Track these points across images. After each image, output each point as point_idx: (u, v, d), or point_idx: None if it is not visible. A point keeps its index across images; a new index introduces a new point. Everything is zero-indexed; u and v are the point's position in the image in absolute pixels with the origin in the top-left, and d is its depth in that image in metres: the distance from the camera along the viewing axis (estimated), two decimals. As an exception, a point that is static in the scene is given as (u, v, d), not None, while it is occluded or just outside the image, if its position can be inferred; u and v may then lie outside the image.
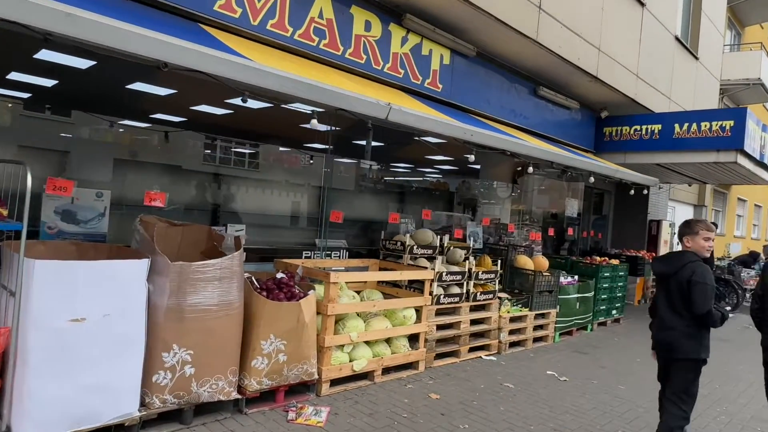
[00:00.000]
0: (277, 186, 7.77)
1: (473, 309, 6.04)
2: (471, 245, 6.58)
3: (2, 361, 2.96)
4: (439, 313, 5.65)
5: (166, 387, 3.46)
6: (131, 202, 5.06)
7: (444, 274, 5.65)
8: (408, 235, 6.04)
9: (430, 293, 5.43)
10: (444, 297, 5.65)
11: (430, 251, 5.98)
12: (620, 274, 8.90)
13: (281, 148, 7.81)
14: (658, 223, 13.29)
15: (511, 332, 6.46)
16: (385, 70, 6.13)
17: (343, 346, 4.61)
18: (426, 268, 5.57)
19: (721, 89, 15.31)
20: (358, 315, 4.85)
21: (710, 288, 3.41)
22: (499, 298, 6.38)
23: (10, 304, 3.00)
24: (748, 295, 12.95)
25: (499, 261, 6.65)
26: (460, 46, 6.93)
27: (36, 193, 4.05)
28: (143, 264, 3.36)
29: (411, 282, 5.60)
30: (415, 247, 5.84)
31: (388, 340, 5.04)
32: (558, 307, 7.19)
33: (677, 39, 11.30)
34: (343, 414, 4.07)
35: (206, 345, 3.59)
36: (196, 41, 3.53)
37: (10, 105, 5.46)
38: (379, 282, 5.74)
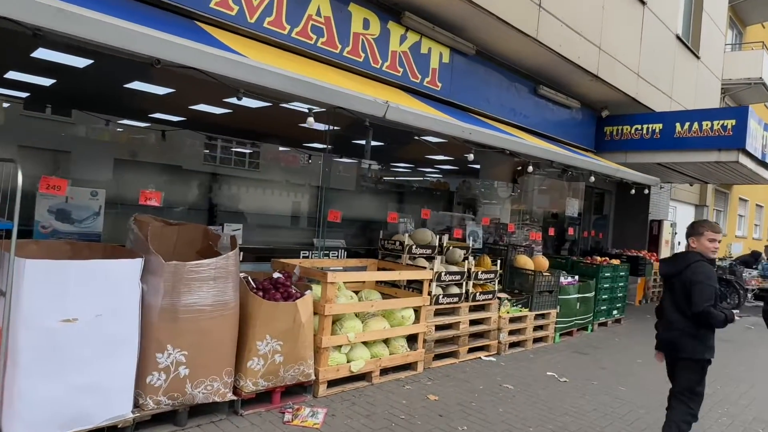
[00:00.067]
0: (275, 186, 7.73)
1: (472, 309, 5.99)
2: (470, 245, 6.53)
3: (-7, 362, 2.92)
4: (438, 313, 5.60)
5: (160, 388, 3.41)
6: (130, 202, 5.02)
7: (443, 274, 5.60)
8: (407, 234, 6.00)
9: (429, 293, 5.38)
10: (443, 297, 5.60)
11: (429, 251, 5.93)
12: (621, 274, 8.85)
13: (281, 148, 7.78)
14: (659, 223, 13.24)
15: (511, 333, 6.41)
16: (383, 68, 6.09)
17: (340, 346, 4.56)
18: (425, 268, 5.52)
19: (722, 89, 15.26)
20: (356, 315, 4.80)
21: (708, 287, 3.41)
22: (499, 298, 6.33)
23: (0, 304, 2.95)
24: (749, 295, 12.90)
25: (499, 261, 6.60)
26: (460, 44, 6.88)
27: (30, 192, 4.02)
28: (136, 263, 3.32)
29: (410, 282, 5.55)
30: (413, 247, 5.80)
31: (386, 341, 4.99)
32: (558, 307, 7.13)
33: (678, 38, 11.25)
34: (340, 415, 4.02)
35: (201, 346, 3.54)
36: (191, 38, 3.49)
37: (7, 105, 5.43)
38: (377, 282, 5.69)
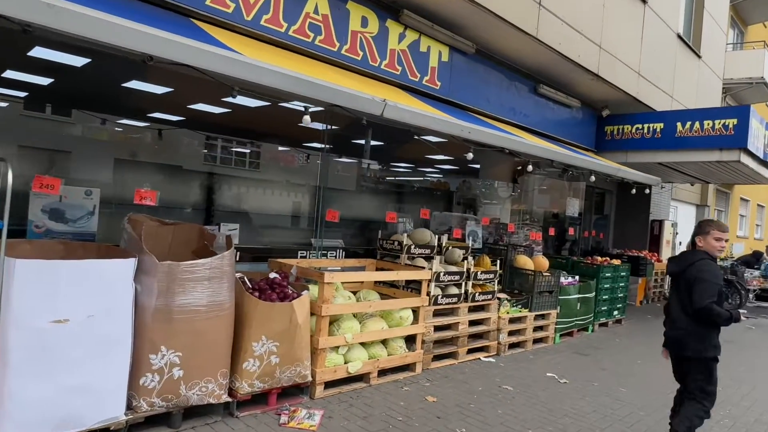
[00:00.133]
0: (273, 185, 7.69)
1: (472, 310, 5.94)
2: (470, 245, 6.48)
3: (-18, 363, 2.88)
4: (436, 313, 5.55)
5: (154, 390, 3.37)
6: (129, 201, 4.98)
7: (442, 274, 5.55)
8: (405, 234, 5.95)
9: (428, 294, 5.33)
10: (442, 297, 5.55)
11: (427, 251, 5.88)
12: (622, 274, 8.79)
13: (280, 148, 7.73)
14: (660, 223, 13.18)
15: (511, 333, 6.36)
16: (382, 67, 6.04)
17: (337, 347, 4.51)
18: (423, 268, 5.47)
19: (723, 88, 15.20)
20: (354, 316, 4.76)
21: (711, 284, 3.44)
22: (499, 298, 6.28)
23: (-9, 305, 2.91)
24: (751, 295, 12.84)
25: (499, 261, 6.55)
26: (459, 43, 6.84)
27: (24, 191, 3.98)
28: (129, 263, 3.27)
29: (408, 282, 5.50)
30: (412, 247, 5.75)
31: (384, 342, 4.95)
32: (558, 307, 7.08)
33: (679, 37, 11.20)
34: (337, 417, 3.97)
35: (195, 347, 3.50)
36: (186, 35, 3.45)
37: (5, 104, 5.40)
38: (376, 282, 5.64)
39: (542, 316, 6.87)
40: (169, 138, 6.57)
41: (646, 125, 9.88)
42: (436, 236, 6.08)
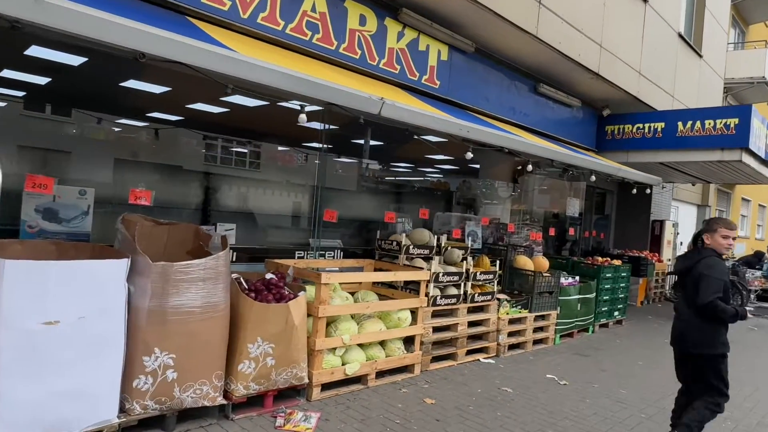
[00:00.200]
0: (272, 185, 7.64)
1: (471, 311, 5.89)
2: (469, 245, 6.43)
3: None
4: (435, 314, 5.50)
5: (147, 392, 3.32)
6: (126, 201, 4.94)
7: (440, 274, 5.49)
8: (404, 234, 5.90)
9: (426, 294, 5.27)
10: (441, 298, 5.50)
11: (426, 251, 5.83)
12: (622, 274, 8.74)
13: (279, 148, 7.69)
14: (661, 223, 13.12)
15: (511, 334, 6.31)
16: (380, 65, 5.99)
17: (335, 349, 4.46)
18: (422, 268, 5.42)
19: (724, 88, 15.13)
20: (351, 317, 4.70)
21: (716, 280, 3.47)
22: (498, 299, 6.22)
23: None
24: (752, 296, 12.78)
25: (498, 261, 6.49)
26: (458, 41, 6.78)
27: (17, 191, 3.94)
28: (122, 264, 3.22)
29: (407, 283, 5.45)
30: (411, 247, 5.69)
31: (382, 343, 4.89)
32: (558, 308, 7.03)
33: (680, 36, 11.14)
34: (334, 420, 3.92)
35: (190, 348, 3.45)
36: (180, 33, 3.39)
37: (4, 104, 5.37)
38: (374, 283, 5.59)
39: (542, 317, 6.82)
40: (170, 138, 6.54)
41: (647, 125, 9.82)
42: (435, 236, 6.02)
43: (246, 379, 3.76)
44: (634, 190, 9.87)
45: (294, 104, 4.53)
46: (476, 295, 5.89)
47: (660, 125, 9.67)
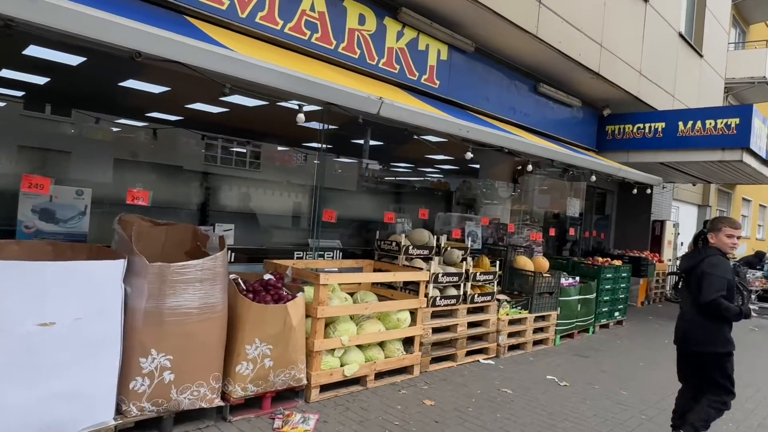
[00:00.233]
0: (272, 185, 7.62)
1: (471, 311, 5.86)
2: (469, 245, 6.40)
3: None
4: (435, 315, 5.47)
5: (144, 394, 3.29)
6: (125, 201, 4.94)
7: (440, 275, 5.47)
8: (403, 235, 5.87)
9: (426, 295, 5.25)
10: (440, 299, 5.47)
11: (426, 252, 5.80)
12: (623, 275, 8.71)
13: (279, 148, 7.68)
14: (662, 223, 13.09)
15: (510, 335, 6.28)
16: (380, 65, 5.96)
17: (334, 350, 4.43)
18: (421, 269, 5.39)
19: (725, 88, 15.10)
20: (350, 318, 4.68)
21: (718, 278, 3.47)
22: (498, 300, 6.19)
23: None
24: (753, 296, 12.74)
25: (498, 262, 6.46)
26: (458, 41, 6.75)
27: (14, 191, 3.92)
28: (118, 265, 3.20)
29: (406, 284, 5.42)
30: (410, 248, 5.67)
31: (381, 344, 4.87)
32: (559, 309, 7.00)
33: (681, 36, 11.11)
34: (333, 422, 3.90)
35: (187, 350, 3.42)
36: (177, 32, 3.37)
37: (3, 104, 5.36)
38: (373, 284, 5.57)
39: (542, 318, 6.79)
40: (170, 138, 6.52)
41: (647, 125, 9.79)
42: (435, 237, 6.00)
43: (244, 380, 3.73)
44: (635, 191, 9.84)
45: (293, 104, 4.50)
46: (476, 295, 5.86)
47: (660, 125, 9.64)
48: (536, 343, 6.69)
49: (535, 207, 10.87)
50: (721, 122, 9.00)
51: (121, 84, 5.76)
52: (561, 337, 7.16)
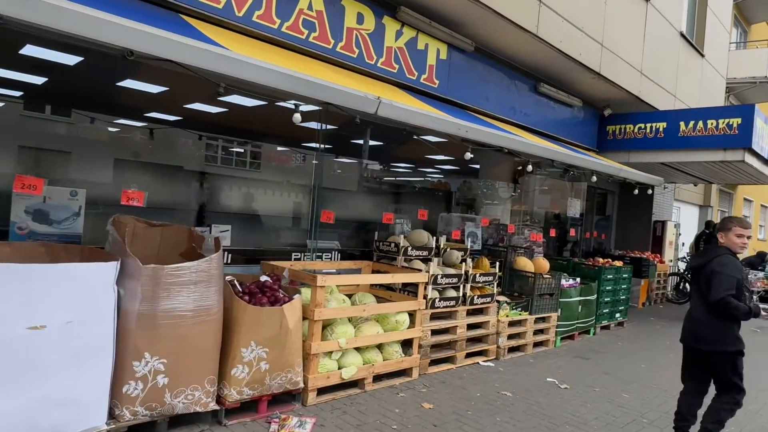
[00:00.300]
0: (272, 186, 7.58)
1: (470, 313, 5.81)
2: (468, 246, 6.35)
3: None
4: (434, 317, 5.41)
5: (137, 398, 3.24)
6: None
7: (439, 276, 5.41)
8: (402, 236, 5.81)
9: (425, 297, 5.19)
10: (439, 301, 5.42)
11: (425, 253, 5.75)
12: (624, 276, 8.65)
13: (279, 148, 7.63)
14: (663, 223, 13.02)
15: (511, 337, 6.22)
16: (378, 64, 5.91)
17: (331, 352, 4.38)
18: (420, 270, 5.34)
19: (727, 88, 15.03)
20: (348, 320, 4.62)
21: (728, 277, 3.47)
22: (498, 301, 6.14)
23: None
24: (755, 297, 12.66)
25: (498, 263, 6.41)
26: (458, 40, 6.70)
27: (7, 192, 3.87)
28: (110, 267, 3.15)
29: (405, 285, 5.37)
30: (409, 249, 5.62)
31: (379, 346, 4.82)
32: (559, 310, 6.94)
33: (682, 35, 11.04)
34: (330, 425, 3.85)
35: (181, 353, 3.37)
36: (172, 31, 3.32)
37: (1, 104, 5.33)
38: (372, 285, 5.52)
39: (543, 319, 6.74)
40: (169, 139, 6.48)
41: (648, 125, 9.73)
42: (434, 238, 5.94)
43: (239, 384, 3.68)
44: (636, 191, 9.78)
45: (290, 104, 4.45)
46: (475, 297, 5.80)
47: (662, 125, 9.58)
48: (536, 344, 6.64)
49: (536, 207, 10.81)
50: (723, 122, 8.94)
51: (119, 84, 5.73)
52: (561, 338, 7.10)
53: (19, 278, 2.77)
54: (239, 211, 7.00)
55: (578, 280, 7.58)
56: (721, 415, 3.63)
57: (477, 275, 5.85)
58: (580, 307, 7.39)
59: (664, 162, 9.88)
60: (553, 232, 9.58)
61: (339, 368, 4.41)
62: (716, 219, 18.16)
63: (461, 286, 5.63)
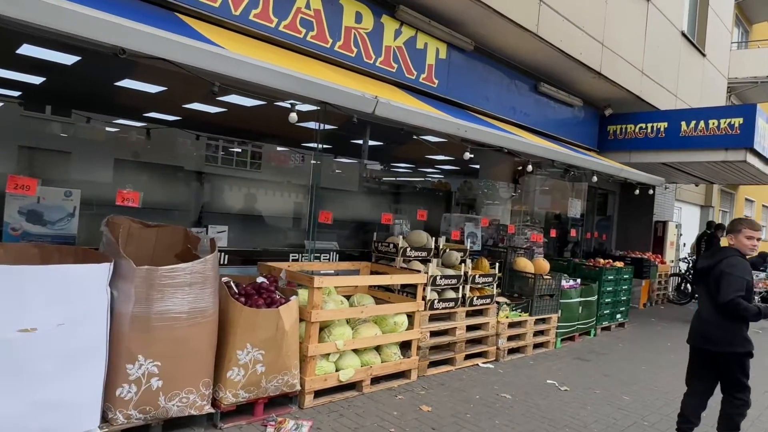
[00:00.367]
0: (270, 186, 7.54)
1: (470, 314, 5.76)
2: (468, 247, 6.30)
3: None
4: (433, 318, 5.36)
5: (131, 401, 3.20)
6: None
7: (438, 277, 5.36)
8: (401, 236, 5.77)
9: (424, 298, 5.15)
10: (438, 302, 5.37)
11: (424, 254, 5.70)
12: (625, 276, 8.60)
13: (279, 148, 7.59)
14: (664, 224, 12.97)
15: (510, 338, 6.17)
16: (377, 64, 5.86)
17: (328, 354, 4.33)
18: (419, 271, 5.29)
19: (728, 87, 14.97)
20: (347, 321, 4.58)
21: (737, 278, 3.47)
22: (498, 302, 6.09)
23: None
24: (757, 298, 12.60)
25: (498, 264, 6.36)
26: (457, 39, 6.65)
27: (1, 192, 3.83)
28: (103, 268, 3.10)
29: (404, 286, 5.32)
30: (408, 250, 5.57)
31: (378, 348, 4.77)
32: (559, 311, 6.89)
33: (683, 34, 10.99)
34: (326, 428, 3.80)
35: (176, 356, 3.33)
36: (167, 29, 3.27)
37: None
38: (370, 286, 5.47)
39: (543, 321, 6.68)
40: (168, 139, 6.45)
41: (649, 124, 9.67)
42: (433, 238, 5.89)
43: (235, 386, 3.64)
44: (637, 191, 9.73)
45: (287, 103, 4.41)
46: (475, 298, 5.76)
47: (663, 125, 9.52)
48: (536, 346, 6.59)
49: (536, 208, 10.76)
50: (725, 122, 8.88)
51: (118, 84, 5.69)
52: (562, 340, 7.05)
53: (9, 280, 2.73)
54: (238, 211, 6.96)
55: (579, 280, 7.53)
56: (735, 420, 3.65)
57: (476, 276, 5.80)
58: (580, 308, 7.34)
59: (665, 162, 9.82)
60: (553, 233, 9.53)
61: (336, 370, 4.36)
62: (717, 219, 18.12)
63: (460, 287, 5.59)
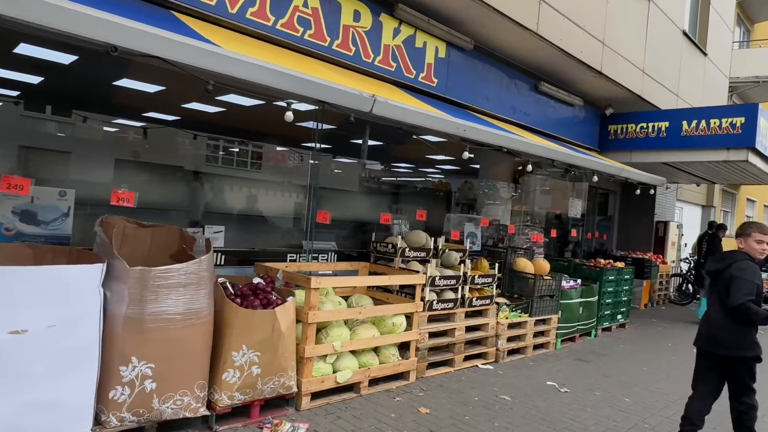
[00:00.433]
0: (269, 186, 7.49)
1: (469, 315, 5.72)
2: (467, 247, 6.25)
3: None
4: (432, 319, 5.32)
5: (124, 404, 3.16)
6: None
7: (437, 278, 5.32)
8: (400, 237, 5.72)
9: (422, 299, 5.10)
10: (437, 303, 5.32)
11: (423, 254, 5.66)
12: (626, 277, 8.54)
13: (278, 148, 7.55)
14: (665, 224, 12.91)
15: (510, 339, 6.13)
16: (375, 63, 5.82)
17: (325, 356, 4.29)
18: (417, 272, 5.24)
19: (729, 87, 14.90)
20: (344, 322, 4.53)
21: (747, 282, 3.47)
22: (497, 303, 6.04)
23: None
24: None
25: (498, 264, 6.31)
26: (457, 38, 6.60)
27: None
28: (95, 269, 3.06)
29: (403, 287, 5.28)
30: (406, 250, 5.52)
31: (376, 349, 4.73)
32: (560, 312, 6.84)
33: (685, 34, 10.93)
34: (323, 431, 3.76)
35: (170, 357, 3.29)
36: (161, 27, 3.24)
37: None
38: (368, 287, 5.43)
39: (543, 321, 6.63)
40: (168, 139, 6.40)
41: (650, 124, 9.62)
42: (432, 239, 5.85)
43: (230, 388, 3.59)
44: (638, 191, 9.68)
45: (284, 103, 4.37)
46: (474, 299, 5.71)
47: (664, 124, 9.47)
48: (536, 347, 6.54)
49: (536, 208, 10.71)
50: (726, 121, 8.83)
51: (116, 83, 5.65)
52: (562, 340, 7.00)
53: (0, 281, 2.69)
54: (238, 211, 6.92)
55: (579, 281, 7.48)
56: (748, 424, 3.67)
57: (476, 277, 5.75)
58: (581, 308, 7.29)
59: (666, 162, 9.77)
60: (554, 233, 9.49)
61: (334, 372, 4.32)
62: (719, 219, 18.05)
63: (460, 288, 5.54)
